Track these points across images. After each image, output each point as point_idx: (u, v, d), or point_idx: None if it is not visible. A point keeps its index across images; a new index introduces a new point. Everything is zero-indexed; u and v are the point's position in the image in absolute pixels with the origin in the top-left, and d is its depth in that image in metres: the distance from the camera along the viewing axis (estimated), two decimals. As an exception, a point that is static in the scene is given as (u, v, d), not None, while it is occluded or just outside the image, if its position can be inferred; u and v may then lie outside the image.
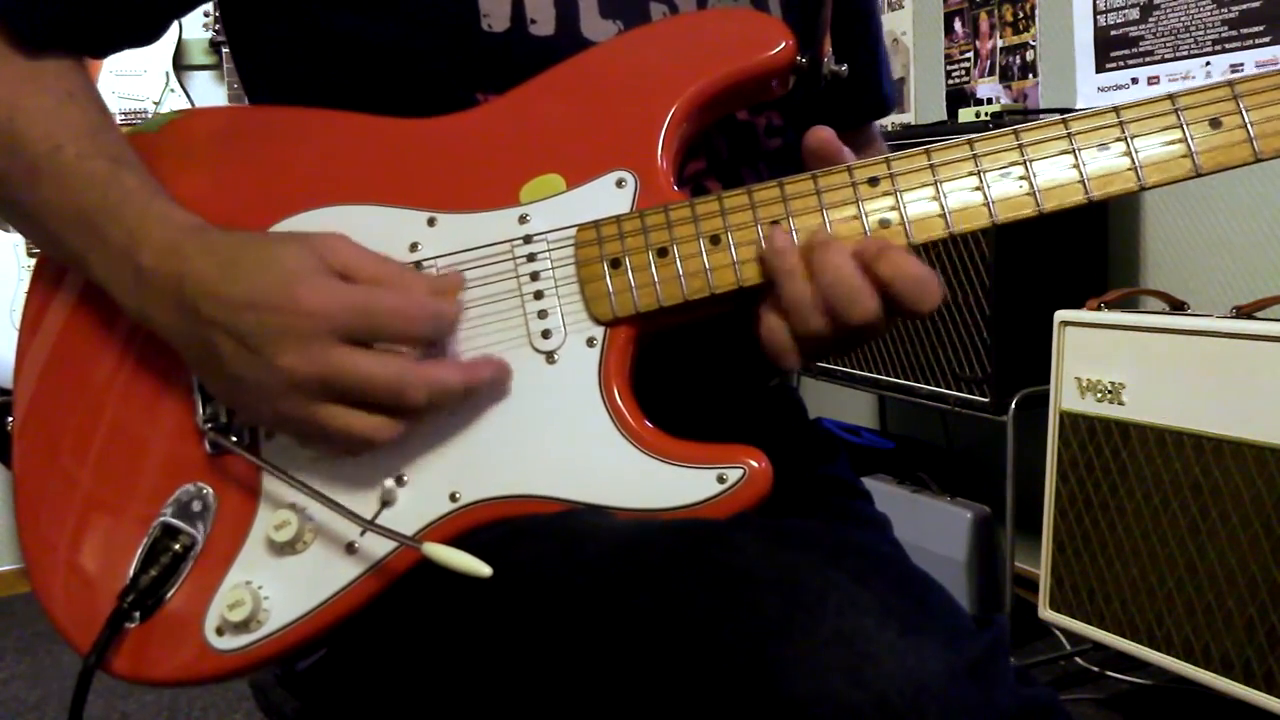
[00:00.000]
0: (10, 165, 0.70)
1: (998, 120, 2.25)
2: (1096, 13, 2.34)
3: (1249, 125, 0.65)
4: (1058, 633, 2.31)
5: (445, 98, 0.73)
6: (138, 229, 0.67)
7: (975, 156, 0.67)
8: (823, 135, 0.69)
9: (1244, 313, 1.73)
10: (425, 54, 0.73)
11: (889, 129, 2.79)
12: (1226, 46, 2.09)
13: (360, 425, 0.63)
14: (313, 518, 0.68)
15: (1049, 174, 0.66)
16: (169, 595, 0.69)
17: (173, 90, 3.16)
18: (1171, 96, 0.66)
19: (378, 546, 0.67)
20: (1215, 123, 0.66)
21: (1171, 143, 0.66)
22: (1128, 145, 0.66)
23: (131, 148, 0.72)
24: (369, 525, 0.66)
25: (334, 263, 0.64)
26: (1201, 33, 2.13)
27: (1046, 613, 2.01)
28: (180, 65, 3.24)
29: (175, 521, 0.70)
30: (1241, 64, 2.06)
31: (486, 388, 0.67)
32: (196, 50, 3.31)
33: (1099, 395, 1.87)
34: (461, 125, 0.72)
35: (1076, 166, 0.66)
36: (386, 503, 0.67)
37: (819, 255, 0.64)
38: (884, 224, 0.67)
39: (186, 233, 0.67)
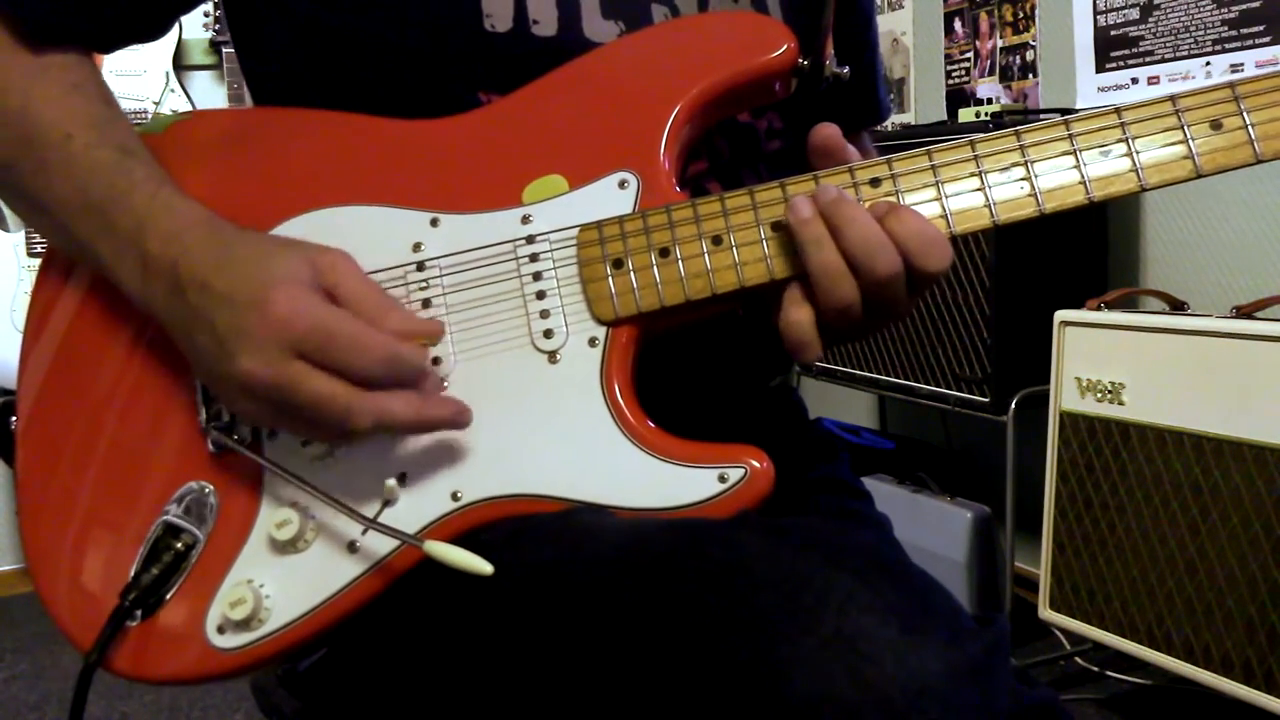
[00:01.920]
0: (20, 155, 0.70)
1: (998, 120, 2.25)
2: (1096, 13, 2.34)
3: (1250, 127, 0.65)
4: (1058, 633, 2.31)
5: (448, 97, 0.73)
6: (145, 216, 0.67)
7: (976, 157, 0.67)
8: (827, 132, 0.69)
9: (1244, 313, 1.73)
10: (428, 54, 0.74)
11: (889, 129, 2.79)
12: (1226, 46, 2.09)
13: (311, 435, 0.67)
14: (314, 516, 0.68)
15: (1050, 175, 0.66)
16: (171, 593, 0.69)
17: (173, 90, 3.16)
18: (1173, 98, 0.66)
19: (379, 545, 0.67)
20: (1216, 124, 0.66)
21: (1172, 144, 0.66)
22: (1129, 146, 0.66)
23: (139, 138, 0.72)
24: (371, 524, 0.66)
25: (325, 279, 0.65)
26: (1201, 33, 2.13)
27: (1046, 613, 2.01)
28: (180, 65, 3.23)
29: (177, 520, 0.70)
30: (1241, 64, 2.06)
31: (443, 426, 0.66)
32: (196, 50, 3.31)
33: (1099, 395, 1.87)
34: (464, 126, 0.73)
35: (1078, 167, 0.66)
36: (388, 501, 0.68)
37: (838, 210, 0.65)
38: (886, 224, 0.67)
39: (192, 222, 0.67)
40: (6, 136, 0.70)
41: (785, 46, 0.70)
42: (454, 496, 0.67)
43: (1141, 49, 2.25)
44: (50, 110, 0.70)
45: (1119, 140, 0.66)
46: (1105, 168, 0.66)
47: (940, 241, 0.65)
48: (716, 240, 0.68)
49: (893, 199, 0.67)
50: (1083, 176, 0.66)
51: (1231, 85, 0.66)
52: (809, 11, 0.81)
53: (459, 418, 0.66)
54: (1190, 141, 0.66)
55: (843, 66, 0.79)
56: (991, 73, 2.66)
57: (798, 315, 0.66)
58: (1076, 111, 0.69)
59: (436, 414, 0.66)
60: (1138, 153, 0.66)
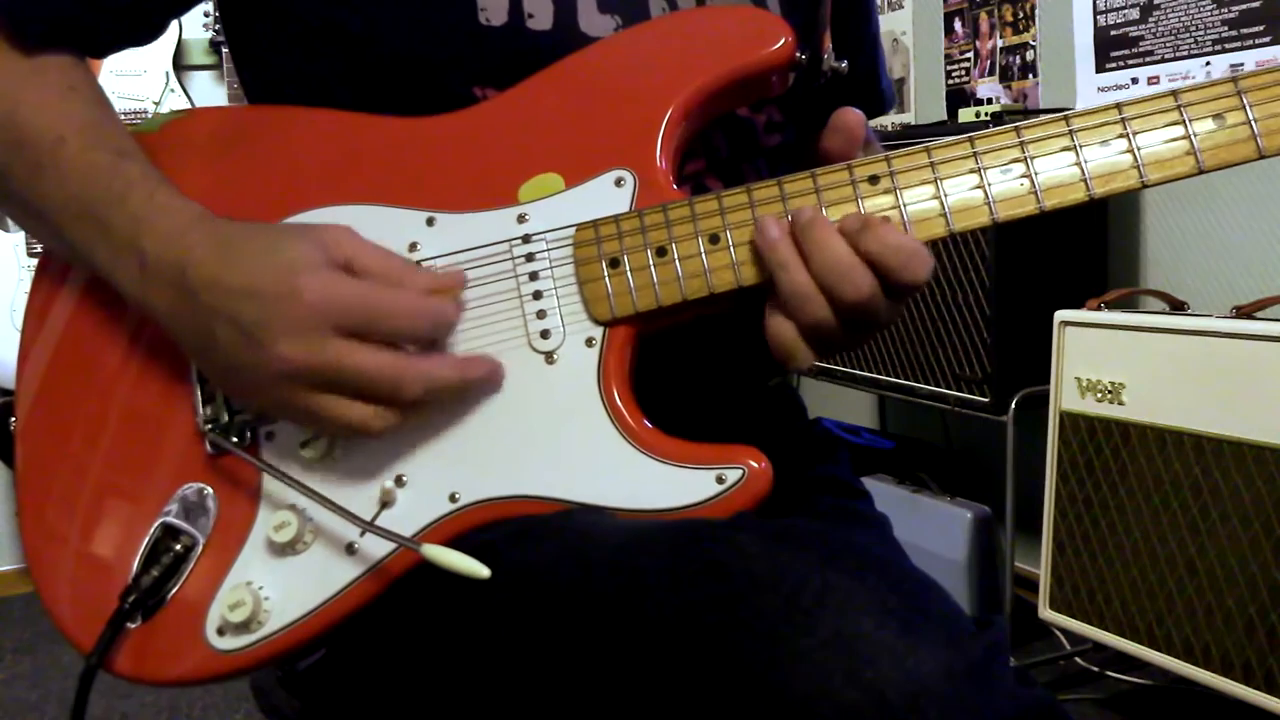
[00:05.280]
0: (14, 160, 0.70)
1: (997, 120, 2.25)
2: (1096, 13, 2.34)
3: (1253, 122, 0.65)
4: (1058, 633, 2.31)
5: (443, 92, 0.73)
6: (143, 217, 0.67)
7: (976, 154, 0.67)
8: (850, 119, 0.68)
9: (1244, 313, 1.73)
10: (423, 49, 0.73)
11: (889, 129, 2.79)
12: (1226, 46, 2.09)
13: (355, 415, 0.64)
14: (312, 519, 0.68)
15: (1050, 171, 0.66)
16: (170, 595, 0.69)
17: (173, 90, 3.16)
18: (1175, 93, 0.65)
19: (377, 547, 0.67)
20: (1219, 119, 0.65)
21: (1174, 139, 0.65)
22: (1130, 142, 0.66)
23: (134, 140, 0.72)
24: (368, 526, 0.66)
25: (338, 255, 0.65)
26: (1201, 33, 2.13)
27: (1046, 613, 2.01)
28: (180, 65, 3.24)
29: (177, 522, 0.70)
30: (1241, 64, 2.06)
31: (481, 384, 0.67)
32: (196, 50, 3.31)
33: (1099, 395, 1.87)
34: (460, 124, 0.72)
35: (1078, 164, 0.66)
36: (386, 503, 0.67)
37: (810, 234, 0.64)
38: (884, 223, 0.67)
39: (190, 221, 0.67)
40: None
41: (783, 40, 0.70)
42: (452, 498, 0.67)
43: (1141, 49, 2.25)
44: (43, 115, 0.70)
45: (1120, 136, 0.66)
46: (1106, 164, 0.66)
47: (919, 253, 0.64)
48: (714, 239, 0.68)
49: (889, 197, 0.67)
50: (1083, 173, 0.66)
51: (1234, 80, 0.65)
52: (806, 5, 0.81)
53: (495, 373, 0.67)
54: (1193, 136, 0.65)
55: (841, 60, 0.79)
56: (991, 73, 2.66)
57: (781, 322, 0.66)
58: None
59: (477, 372, 0.66)
60: (1139, 148, 0.66)
